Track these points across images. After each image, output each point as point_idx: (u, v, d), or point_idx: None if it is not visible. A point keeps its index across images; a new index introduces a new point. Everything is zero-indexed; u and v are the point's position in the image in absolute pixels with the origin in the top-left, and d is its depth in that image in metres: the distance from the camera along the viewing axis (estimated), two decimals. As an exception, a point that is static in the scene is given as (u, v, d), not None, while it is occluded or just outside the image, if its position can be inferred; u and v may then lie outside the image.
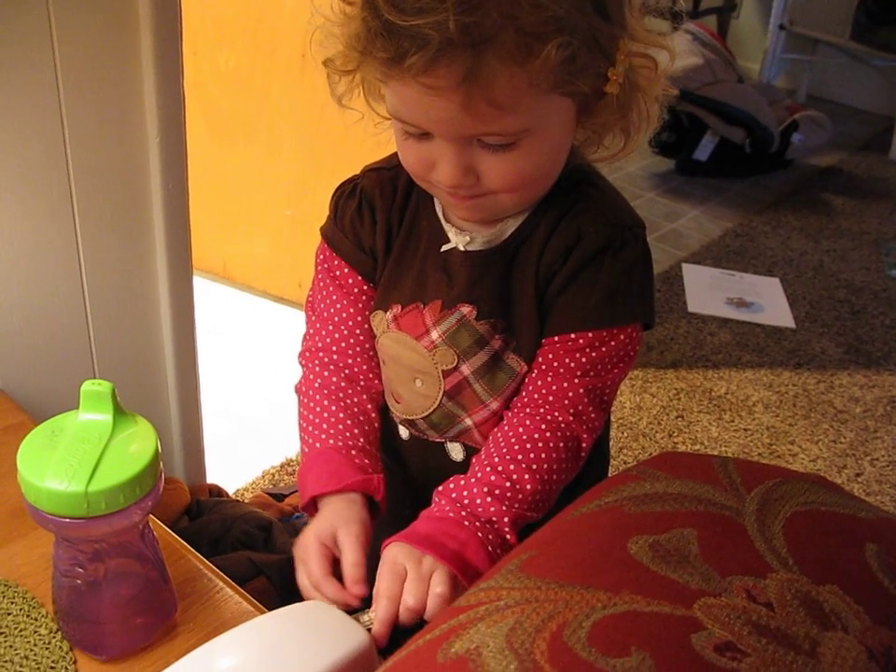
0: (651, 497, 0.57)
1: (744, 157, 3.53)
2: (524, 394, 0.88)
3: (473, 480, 0.83)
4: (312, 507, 0.86)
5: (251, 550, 1.29)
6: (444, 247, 0.88)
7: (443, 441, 0.96)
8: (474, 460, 0.87)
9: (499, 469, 0.83)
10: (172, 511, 1.33)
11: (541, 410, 0.85)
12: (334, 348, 0.94)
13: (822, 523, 0.55)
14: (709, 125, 3.43)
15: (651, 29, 0.80)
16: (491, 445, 0.86)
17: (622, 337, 0.85)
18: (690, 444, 2.10)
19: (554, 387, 0.85)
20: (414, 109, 0.74)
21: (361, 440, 0.89)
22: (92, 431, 0.69)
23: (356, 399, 0.92)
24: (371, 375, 0.95)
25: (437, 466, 0.98)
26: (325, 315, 0.95)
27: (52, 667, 0.73)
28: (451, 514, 0.80)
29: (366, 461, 0.87)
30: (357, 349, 0.95)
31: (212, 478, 1.65)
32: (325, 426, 0.89)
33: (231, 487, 1.75)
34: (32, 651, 0.74)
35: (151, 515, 0.78)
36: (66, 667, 0.73)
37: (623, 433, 2.11)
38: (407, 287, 0.90)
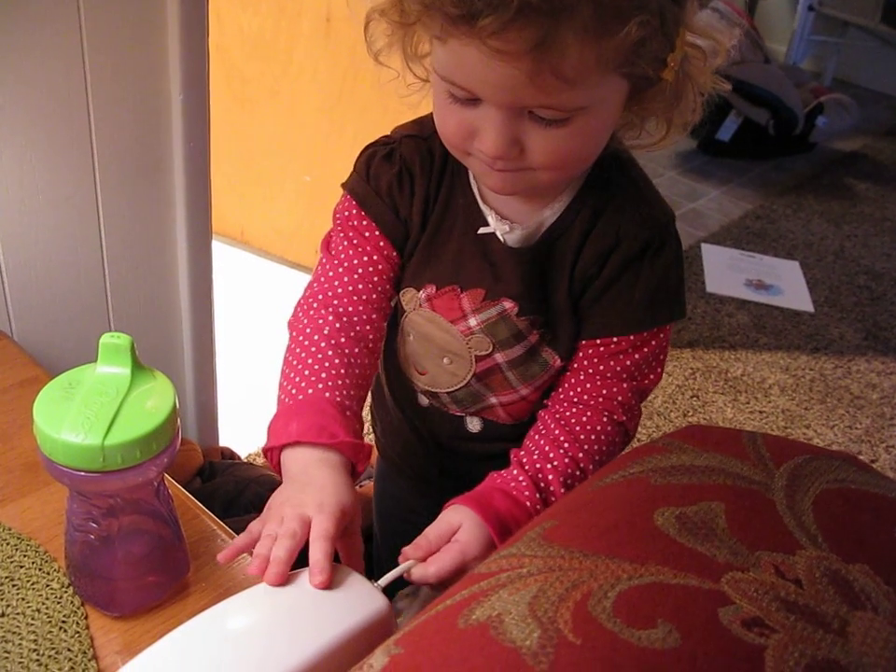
0: (677, 469, 0.56)
1: (767, 138, 3.50)
2: (578, 389, 0.87)
3: (551, 466, 0.81)
4: (276, 453, 0.78)
5: (263, 513, 1.28)
6: (482, 230, 0.85)
7: (463, 415, 0.96)
8: (542, 440, 0.84)
9: (576, 458, 0.82)
10: (185, 471, 1.33)
11: (599, 406, 0.85)
12: (340, 290, 0.88)
13: (852, 501, 0.54)
14: (734, 105, 3.40)
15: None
16: (557, 430, 0.85)
17: (661, 336, 0.86)
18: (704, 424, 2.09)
19: (604, 391, 0.86)
20: (472, 72, 0.69)
21: (356, 404, 0.83)
22: (110, 385, 0.68)
23: (355, 351, 0.85)
24: (368, 328, 0.87)
25: (453, 434, 0.97)
26: (336, 260, 0.89)
27: (64, 621, 0.73)
28: (528, 503, 0.79)
29: (357, 427, 0.81)
30: (364, 298, 0.88)
31: (224, 442, 1.65)
32: (323, 374, 0.82)
33: (242, 452, 1.75)
34: (44, 604, 0.74)
35: (166, 474, 0.77)
36: (78, 622, 0.73)
37: (637, 411, 2.10)
38: (442, 267, 0.87)
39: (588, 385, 0.86)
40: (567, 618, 0.44)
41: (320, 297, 0.88)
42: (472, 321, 0.86)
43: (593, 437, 0.83)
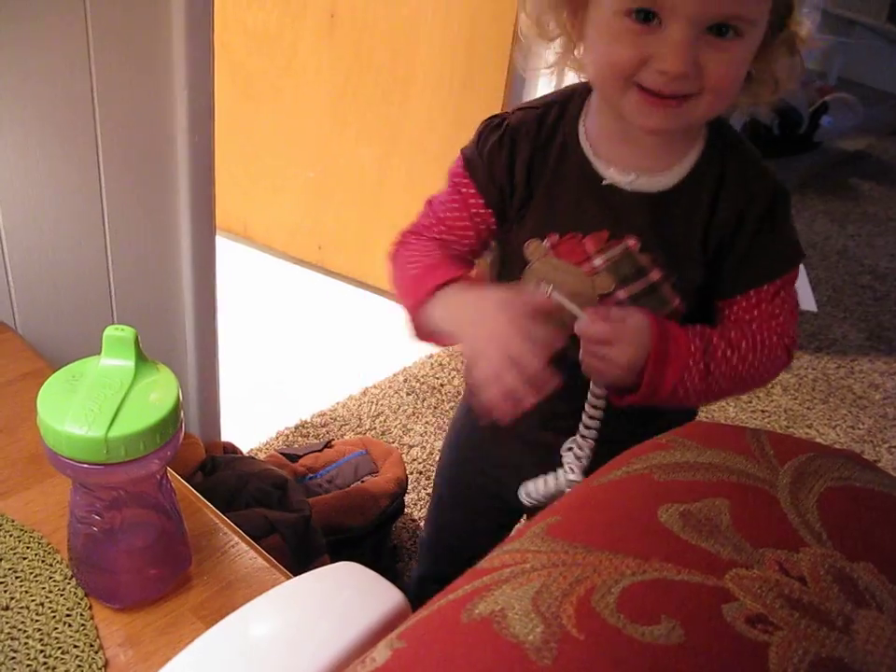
0: (681, 466, 0.56)
1: (772, 137, 3.50)
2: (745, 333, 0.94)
3: (717, 335, 0.91)
4: (420, 318, 0.91)
5: (266, 507, 1.28)
6: (605, 181, 0.90)
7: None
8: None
9: (737, 342, 0.91)
10: (187, 465, 1.33)
11: (761, 329, 0.93)
12: (436, 236, 0.99)
13: (857, 499, 0.54)
14: (738, 104, 3.39)
15: None
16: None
17: (795, 274, 0.94)
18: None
19: (765, 331, 0.92)
20: None
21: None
22: (114, 377, 0.68)
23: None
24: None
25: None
26: (440, 211, 0.99)
27: (69, 614, 0.73)
28: (693, 335, 0.89)
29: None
30: (455, 248, 0.99)
31: (226, 437, 1.65)
32: (429, 259, 0.96)
33: (244, 447, 1.75)
34: (47, 597, 0.74)
35: (168, 467, 0.77)
36: (82, 613, 0.73)
37: (639, 409, 2.09)
38: (562, 218, 0.93)
39: (745, 329, 0.93)
40: (570, 613, 0.44)
41: (415, 237, 1.00)
42: (597, 261, 0.91)
43: (757, 337, 0.92)
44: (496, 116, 0.97)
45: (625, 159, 0.90)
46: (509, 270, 0.99)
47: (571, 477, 0.93)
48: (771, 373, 0.94)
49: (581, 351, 0.87)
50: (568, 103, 0.94)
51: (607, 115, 0.90)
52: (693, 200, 0.90)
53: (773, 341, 0.92)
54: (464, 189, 0.97)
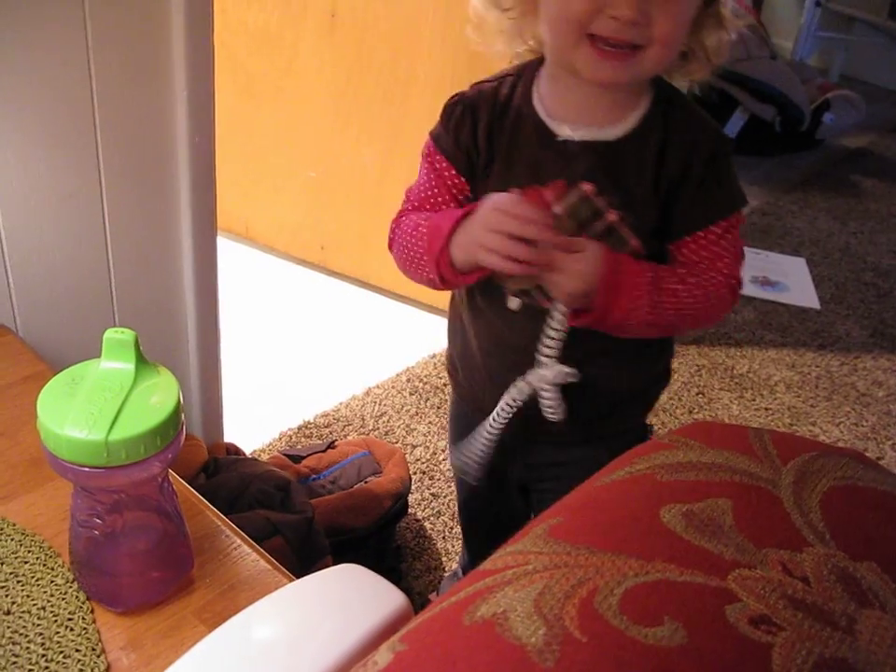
0: (684, 466, 0.55)
1: (773, 135, 3.49)
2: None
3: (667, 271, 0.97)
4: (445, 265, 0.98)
5: (268, 509, 1.28)
6: (560, 137, 0.98)
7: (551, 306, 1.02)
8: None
9: (687, 279, 0.97)
10: (189, 467, 1.33)
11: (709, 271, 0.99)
12: (420, 203, 1.07)
13: (860, 498, 0.54)
14: (740, 101, 3.39)
15: None
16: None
17: (740, 218, 1.00)
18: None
19: (712, 271, 0.98)
20: None
21: None
22: (114, 380, 0.68)
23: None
24: None
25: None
26: (420, 192, 1.07)
27: (70, 618, 0.72)
28: (645, 269, 0.95)
29: None
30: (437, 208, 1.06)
31: (229, 438, 1.65)
32: (432, 217, 1.02)
33: (247, 448, 1.75)
34: (49, 601, 0.74)
35: (170, 470, 0.77)
36: (84, 617, 0.73)
37: (642, 408, 2.09)
38: (522, 176, 0.99)
39: (693, 269, 0.99)
40: (572, 615, 0.44)
41: (402, 215, 1.07)
42: (557, 209, 0.95)
43: (704, 276, 0.98)
44: (455, 94, 1.04)
45: (577, 116, 0.97)
46: None
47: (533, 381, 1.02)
48: (717, 311, 1.00)
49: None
50: (522, 74, 1.02)
51: (558, 78, 0.98)
52: (643, 147, 0.96)
53: (718, 280, 0.98)
54: (438, 165, 1.05)
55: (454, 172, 1.04)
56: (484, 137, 1.01)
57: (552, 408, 1.02)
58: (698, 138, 0.97)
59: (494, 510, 1.32)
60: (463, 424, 1.20)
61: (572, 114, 0.98)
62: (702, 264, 0.99)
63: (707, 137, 0.98)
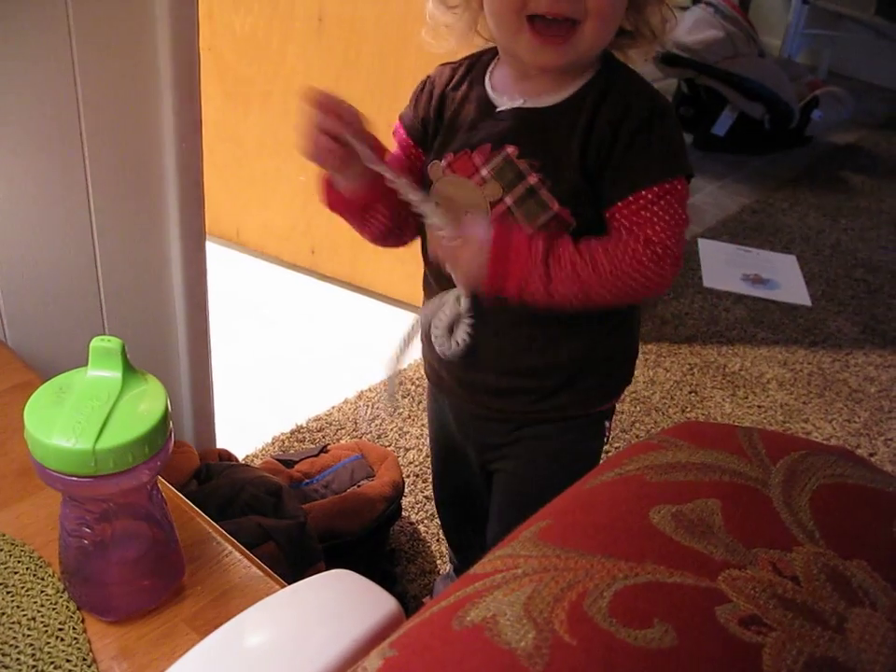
0: (673, 467, 0.55)
1: (763, 133, 3.49)
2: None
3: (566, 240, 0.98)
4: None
5: (260, 515, 1.28)
6: (500, 108, 1.03)
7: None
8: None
9: (593, 245, 0.97)
10: (180, 474, 1.32)
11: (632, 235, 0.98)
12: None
13: (849, 496, 0.54)
14: (728, 100, 3.39)
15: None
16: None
17: (678, 187, 0.98)
18: (703, 420, 2.08)
19: (632, 240, 0.97)
20: None
21: None
22: (101, 388, 0.68)
23: None
24: None
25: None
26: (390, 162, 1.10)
27: (61, 628, 0.72)
28: (537, 240, 0.96)
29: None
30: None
31: (221, 443, 1.64)
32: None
33: (240, 453, 1.74)
34: (39, 611, 0.73)
35: (160, 477, 0.77)
36: (74, 627, 0.72)
37: (635, 407, 2.09)
38: (458, 140, 1.05)
39: (611, 237, 0.98)
40: (562, 618, 0.44)
41: None
42: (484, 171, 1.01)
43: (619, 245, 0.96)
44: (424, 78, 1.12)
45: (521, 92, 1.02)
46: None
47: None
48: (637, 282, 0.97)
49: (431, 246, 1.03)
50: (480, 57, 1.08)
51: (507, 63, 1.03)
52: (576, 113, 0.99)
53: (637, 249, 0.96)
54: (399, 139, 1.13)
55: (411, 142, 1.11)
56: (435, 108, 1.08)
57: (438, 338, 1.09)
58: (631, 104, 0.98)
59: (461, 493, 1.36)
60: (434, 411, 1.29)
61: (516, 90, 1.03)
62: (625, 231, 0.98)
63: (641, 102, 0.98)
